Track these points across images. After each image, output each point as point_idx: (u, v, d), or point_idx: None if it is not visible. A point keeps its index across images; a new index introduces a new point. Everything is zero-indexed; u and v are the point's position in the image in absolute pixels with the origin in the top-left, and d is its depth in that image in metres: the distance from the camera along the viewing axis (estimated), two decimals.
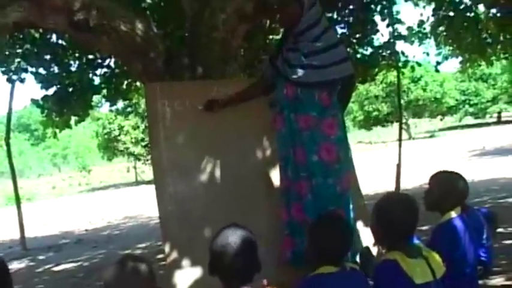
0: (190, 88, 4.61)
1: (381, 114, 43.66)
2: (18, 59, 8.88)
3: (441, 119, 51.33)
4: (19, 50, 8.75)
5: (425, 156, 23.45)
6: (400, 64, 10.89)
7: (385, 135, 44.16)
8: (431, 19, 11.30)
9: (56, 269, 9.76)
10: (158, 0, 8.47)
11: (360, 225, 4.28)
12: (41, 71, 8.88)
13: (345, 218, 3.39)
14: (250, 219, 3.43)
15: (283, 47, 4.01)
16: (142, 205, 18.57)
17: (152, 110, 4.29)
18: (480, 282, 3.53)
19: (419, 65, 11.95)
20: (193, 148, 4.23)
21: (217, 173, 4.24)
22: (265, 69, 4.21)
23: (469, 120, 54.02)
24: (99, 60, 9.06)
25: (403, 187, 12.44)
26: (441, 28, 11.36)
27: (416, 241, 3.14)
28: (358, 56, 9.85)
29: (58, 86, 8.89)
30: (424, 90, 43.36)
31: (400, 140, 13.00)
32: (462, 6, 10.52)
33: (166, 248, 3.91)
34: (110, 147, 35.02)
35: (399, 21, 10.43)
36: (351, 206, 3.85)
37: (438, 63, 12.97)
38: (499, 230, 6.88)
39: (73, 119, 9.54)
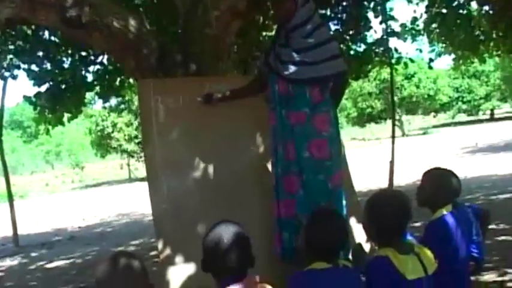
0: (183, 85, 4.60)
1: (375, 111, 43.81)
2: (11, 56, 8.86)
3: (434, 116, 51.61)
4: (11, 47, 8.73)
5: (418, 153, 23.55)
6: (393, 61, 10.92)
7: (379, 132, 44.27)
8: (424, 16, 11.35)
9: (49, 266, 9.74)
10: None
11: (353, 221, 4.29)
12: (34, 67, 8.86)
13: (338, 213, 3.39)
14: (244, 215, 3.43)
15: (276, 43, 4.01)
16: (135, 202, 18.58)
17: (145, 107, 4.27)
18: (472, 278, 3.55)
19: (412, 61, 11.97)
20: (187, 145, 4.22)
21: (211, 169, 4.23)
22: (261, 66, 4.21)
23: (462, 117, 54.25)
24: (92, 57, 9.04)
25: (396, 184, 12.49)
26: (434, 25, 11.41)
27: (409, 237, 3.15)
28: (352, 52, 9.87)
29: (51, 83, 8.87)
30: (418, 87, 43.51)
31: (393, 136, 13.03)
32: (455, 4, 10.56)
33: (160, 245, 3.90)
34: (103, 144, 34.96)
35: (392, 18, 10.46)
36: (344, 203, 3.84)
37: (431, 60, 13.02)
38: (492, 226, 6.96)
39: (66, 115, 9.53)
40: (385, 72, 22.52)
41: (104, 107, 22.37)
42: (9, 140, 53.84)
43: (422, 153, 23.55)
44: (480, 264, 3.50)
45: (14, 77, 9.28)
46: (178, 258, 3.86)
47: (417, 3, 11.54)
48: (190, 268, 3.82)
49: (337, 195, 3.80)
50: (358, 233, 4.06)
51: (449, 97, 47.57)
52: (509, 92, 48.29)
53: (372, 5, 9.69)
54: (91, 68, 9.28)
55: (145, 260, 2.15)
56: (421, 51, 29.08)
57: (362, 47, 10.11)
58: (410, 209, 2.92)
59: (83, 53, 8.92)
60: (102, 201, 23.24)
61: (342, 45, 9.24)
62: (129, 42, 4.92)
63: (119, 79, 9.57)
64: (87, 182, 40.34)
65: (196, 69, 5.00)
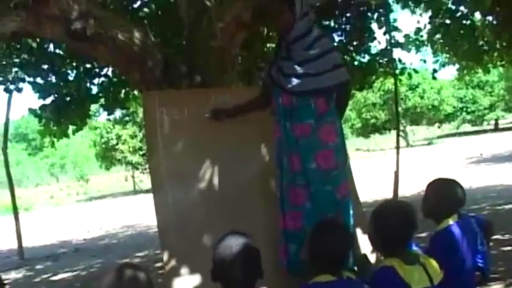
0: (188, 96, 4.62)
1: (379, 121, 43.70)
2: (16, 69, 8.88)
3: (439, 127, 51.41)
4: (16, 60, 8.76)
5: (423, 164, 23.48)
6: (397, 71, 10.92)
7: (383, 142, 44.20)
8: (428, 27, 11.34)
9: (54, 278, 9.72)
10: (156, 9, 8.49)
11: (358, 232, 4.28)
12: (39, 80, 8.89)
13: (343, 225, 3.38)
14: (248, 227, 3.41)
15: (277, 55, 4.02)
16: (140, 214, 18.55)
17: (150, 119, 4.28)
18: None
19: (416, 72, 11.97)
20: (192, 156, 4.23)
21: (216, 181, 4.23)
22: (265, 78, 4.21)
23: (467, 127, 54.09)
24: (97, 70, 9.07)
25: (401, 194, 12.46)
26: (438, 36, 11.40)
27: (414, 248, 3.15)
28: (356, 63, 9.89)
29: (56, 96, 8.89)
30: (422, 97, 43.43)
31: (398, 147, 13.00)
32: (458, 14, 10.55)
33: (165, 257, 3.90)
34: (107, 156, 34.96)
35: (396, 29, 10.49)
36: (351, 212, 3.83)
37: (435, 70, 12.99)
38: (497, 236, 6.94)
39: (71, 128, 9.55)
40: (389, 83, 22.46)
41: (109, 119, 22.47)
42: (14, 152, 53.87)
43: (427, 163, 23.48)
44: (486, 275, 3.49)
45: (19, 90, 9.30)
46: (183, 270, 3.86)
47: (421, 14, 11.54)
48: (195, 280, 3.82)
49: (345, 206, 3.80)
50: (364, 244, 4.05)
51: (454, 107, 47.46)
52: None
53: (375, 16, 9.70)
54: (96, 81, 9.31)
55: (151, 272, 2.16)
56: (425, 61, 29.00)
57: (366, 58, 10.12)
58: (416, 219, 2.92)
59: (88, 66, 8.95)
60: (107, 213, 23.22)
61: (346, 56, 9.27)
62: (134, 55, 4.94)
63: (123, 91, 9.60)
64: (91, 194, 40.33)
65: (201, 81, 5.02)
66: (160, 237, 4.07)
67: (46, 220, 23.46)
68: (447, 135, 51.37)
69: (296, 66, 3.79)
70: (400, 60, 10.77)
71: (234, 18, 5.04)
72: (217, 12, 5.01)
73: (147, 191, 28.72)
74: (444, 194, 3.39)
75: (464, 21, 10.72)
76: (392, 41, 10.42)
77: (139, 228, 16.00)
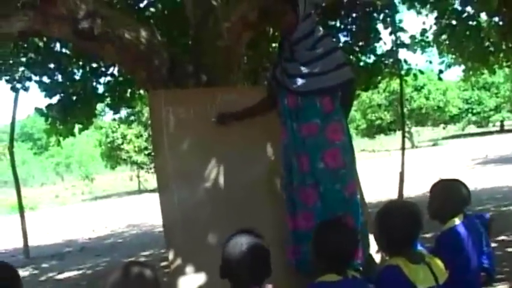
0: (194, 95, 4.62)
1: (384, 122, 43.62)
2: (22, 68, 8.94)
3: (444, 128, 51.31)
4: (23, 59, 8.81)
5: (428, 165, 23.43)
6: (402, 72, 10.92)
7: (388, 143, 44.10)
8: (434, 27, 11.32)
9: (60, 277, 9.74)
10: (162, 9, 8.52)
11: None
12: (45, 79, 8.94)
13: (349, 223, 3.38)
14: (255, 226, 3.43)
15: (281, 56, 4.02)
16: (145, 213, 18.56)
17: (156, 118, 4.29)
18: None
19: (422, 73, 11.95)
20: (198, 155, 4.23)
21: (221, 180, 4.24)
22: (270, 79, 4.21)
23: (472, 128, 53.98)
24: (103, 69, 9.11)
25: (407, 195, 12.43)
26: (444, 36, 11.38)
27: (419, 248, 3.15)
28: (361, 64, 9.89)
29: (62, 95, 8.94)
30: (427, 98, 43.30)
31: (403, 148, 12.98)
32: (464, 15, 10.53)
33: (170, 255, 3.91)
34: (113, 155, 34.99)
35: (402, 30, 10.49)
36: (360, 211, 3.84)
37: (441, 71, 12.96)
38: (502, 237, 6.93)
39: (77, 127, 9.58)
40: (395, 84, 22.41)
41: (114, 119, 22.50)
42: (20, 152, 53.93)
43: (433, 164, 23.43)
44: (491, 275, 3.49)
45: (26, 89, 9.34)
46: (189, 269, 3.87)
47: (426, 15, 11.53)
48: (200, 278, 3.83)
49: (354, 204, 3.80)
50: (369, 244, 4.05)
51: (459, 109, 47.34)
52: None
53: (381, 16, 9.71)
54: (102, 80, 9.36)
55: (156, 271, 2.16)
56: (430, 62, 28.99)
57: (372, 59, 10.13)
58: (422, 219, 2.92)
59: (94, 65, 8.98)
60: (112, 212, 23.24)
61: (351, 57, 9.27)
62: (141, 54, 4.96)
63: (129, 90, 9.62)
64: (97, 193, 40.34)
65: (207, 80, 5.03)
66: (166, 237, 4.08)
67: (51, 219, 23.49)
68: (452, 137, 51.25)
69: (301, 67, 3.81)
70: (405, 61, 10.79)
71: (240, 18, 5.05)
72: (223, 12, 5.03)
73: (152, 191, 28.77)
74: (448, 194, 3.40)
75: (470, 22, 10.69)
76: (398, 42, 10.43)
77: (144, 228, 16.00)
